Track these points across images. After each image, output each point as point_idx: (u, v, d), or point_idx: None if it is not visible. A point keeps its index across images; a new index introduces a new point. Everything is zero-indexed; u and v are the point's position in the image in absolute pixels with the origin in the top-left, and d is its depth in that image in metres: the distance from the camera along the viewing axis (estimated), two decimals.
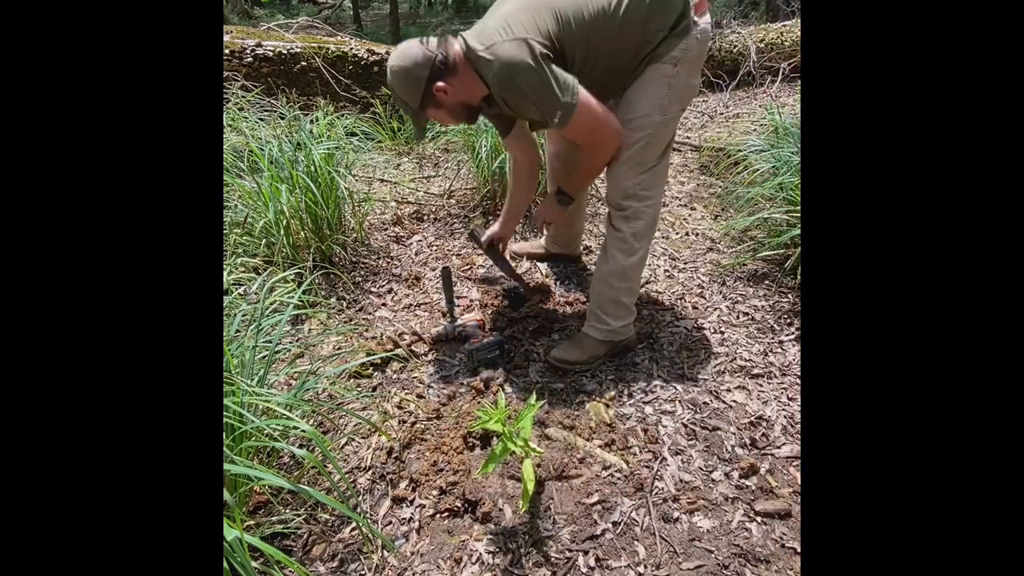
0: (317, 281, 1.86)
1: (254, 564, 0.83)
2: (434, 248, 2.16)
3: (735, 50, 4.21)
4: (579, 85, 1.20)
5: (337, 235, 1.97)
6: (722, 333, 1.64)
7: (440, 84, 1.23)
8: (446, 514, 1.12)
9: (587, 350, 1.49)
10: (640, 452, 1.25)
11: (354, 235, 2.11)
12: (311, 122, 2.21)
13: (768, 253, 1.90)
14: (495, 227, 1.74)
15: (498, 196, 2.34)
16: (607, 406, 1.38)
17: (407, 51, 1.24)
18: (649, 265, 1.97)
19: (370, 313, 1.78)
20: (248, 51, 3.05)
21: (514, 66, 1.15)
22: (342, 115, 2.52)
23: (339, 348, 1.63)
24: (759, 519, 1.10)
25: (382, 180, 2.69)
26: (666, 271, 1.97)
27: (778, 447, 1.26)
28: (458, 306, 1.76)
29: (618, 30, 1.19)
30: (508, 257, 1.83)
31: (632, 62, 1.25)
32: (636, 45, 1.22)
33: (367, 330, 1.68)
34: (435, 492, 1.16)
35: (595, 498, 1.14)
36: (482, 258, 2.07)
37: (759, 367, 1.50)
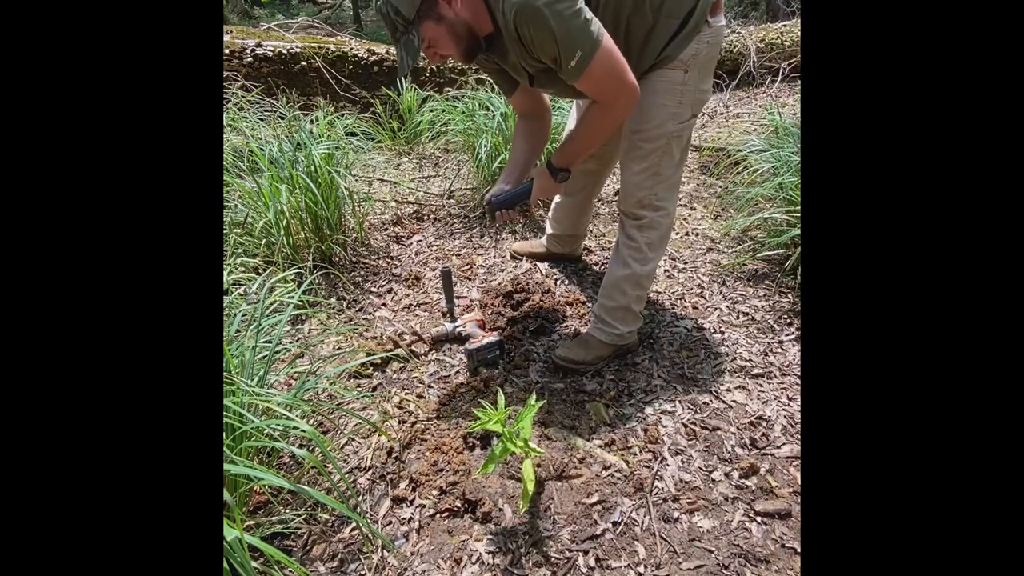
0: (317, 281, 1.86)
1: (254, 564, 0.83)
2: (434, 248, 2.16)
3: (735, 50, 4.21)
4: (601, 29, 1.06)
5: (337, 235, 1.97)
6: (722, 333, 1.64)
7: None
8: (446, 514, 1.12)
9: (592, 351, 1.49)
10: (640, 452, 1.25)
11: (354, 235, 2.11)
12: (311, 122, 2.21)
13: (768, 253, 1.90)
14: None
15: None
16: (607, 406, 1.38)
17: None
18: None
19: (370, 313, 1.78)
20: (248, 51, 3.05)
21: None
22: (342, 115, 2.52)
23: (339, 348, 1.63)
24: (759, 519, 1.10)
25: (382, 180, 2.69)
26: (666, 271, 1.97)
27: (778, 447, 1.26)
28: (458, 306, 1.76)
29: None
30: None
31: (640, 48, 1.19)
32: (648, 26, 1.16)
33: (367, 330, 1.68)
34: (435, 492, 1.16)
35: (595, 498, 1.14)
36: (482, 258, 2.07)
37: (759, 367, 1.50)
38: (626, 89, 1.13)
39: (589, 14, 1.05)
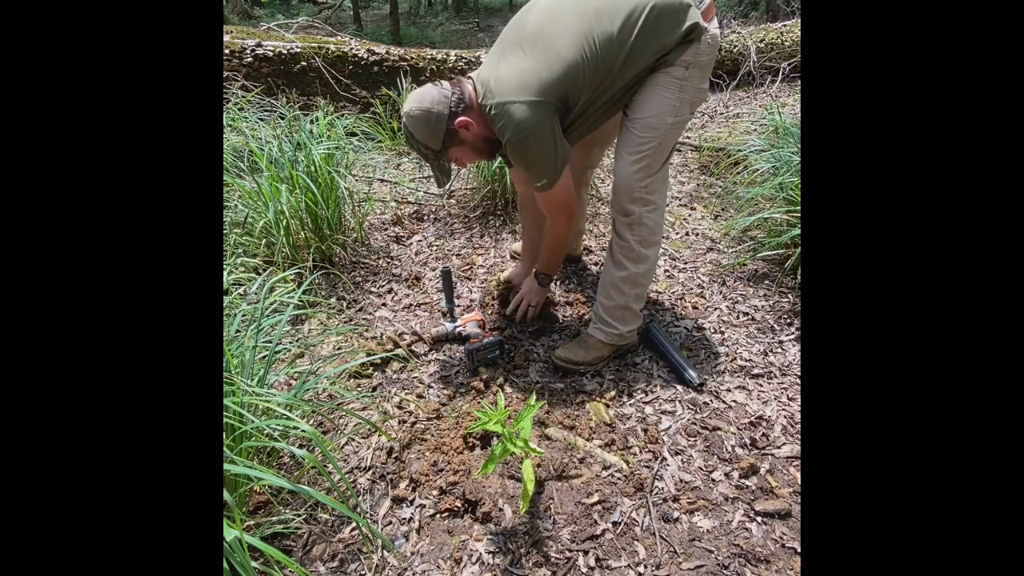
0: (317, 281, 1.86)
1: (254, 564, 0.83)
2: (434, 248, 2.16)
3: (735, 50, 4.21)
4: (567, 159, 1.29)
5: (337, 235, 1.97)
6: (722, 333, 1.64)
7: (463, 119, 1.26)
8: (446, 514, 1.12)
9: (592, 351, 1.49)
10: (640, 452, 1.25)
11: (354, 235, 2.11)
12: (311, 122, 2.21)
13: (768, 253, 1.90)
14: (516, 270, 1.81)
15: (498, 195, 2.34)
16: (607, 406, 1.38)
17: (422, 94, 1.27)
18: None
19: (370, 313, 1.78)
20: (248, 51, 3.05)
21: (527, 129, 1.21)
22: (342, 115, 2.52)
23: (339, 348, 1.63)
24: (759, 519, 1.10)
25: (382, 180, 2.69)
26: (666, 271, 1.97)
27: (778, 447, 1.26)
28: (458, 306, 1.76)
29: (626, 57, 1.21)
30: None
31: (638, 77, 1.26)
32: (642, 66, 1.23)
33: (367, 330, 1.68)
34: (435, 492, 1.16)
35: (595, 498, 1.14)
36: (482, 258, 2.07)
37: (759, 367, 1.50)
38: (567, 211, 1.44)
39: (563, 146, 1.27)
